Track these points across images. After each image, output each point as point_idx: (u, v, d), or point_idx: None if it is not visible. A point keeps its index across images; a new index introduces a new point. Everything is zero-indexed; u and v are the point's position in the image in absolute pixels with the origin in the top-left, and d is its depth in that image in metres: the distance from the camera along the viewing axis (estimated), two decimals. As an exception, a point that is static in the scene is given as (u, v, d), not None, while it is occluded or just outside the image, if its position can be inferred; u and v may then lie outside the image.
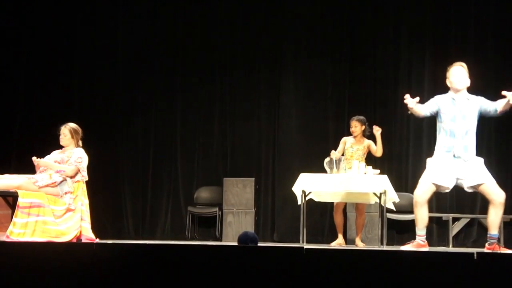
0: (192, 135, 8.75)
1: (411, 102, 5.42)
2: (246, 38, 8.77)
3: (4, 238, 5.55)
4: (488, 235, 5.36)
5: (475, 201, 8.24)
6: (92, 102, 8.75)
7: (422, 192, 5.36)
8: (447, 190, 5.51)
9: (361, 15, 8.63)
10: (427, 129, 8.40)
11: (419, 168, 8.32)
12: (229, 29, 8.81)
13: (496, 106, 5.51)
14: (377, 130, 6.95)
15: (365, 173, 6.63)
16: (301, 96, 8.62)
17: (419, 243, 5.33)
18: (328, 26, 8.65)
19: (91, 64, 8.81)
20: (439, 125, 5.48)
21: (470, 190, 5.48)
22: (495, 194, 5.28)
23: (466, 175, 5.35)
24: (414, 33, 8.55)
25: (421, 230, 5.36)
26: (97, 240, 5.94)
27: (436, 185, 5.38)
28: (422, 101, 8.56)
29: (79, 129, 6.24)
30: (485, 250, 5.37)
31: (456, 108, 5.40)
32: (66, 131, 6.16)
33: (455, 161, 5.36)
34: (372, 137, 7.12)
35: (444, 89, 8.44)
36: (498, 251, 5.09)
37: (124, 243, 5.04)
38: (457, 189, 8.17)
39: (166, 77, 8.82)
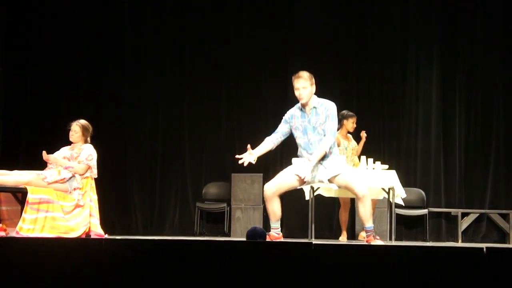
0: (200, 131, 8.76)
1: (248, 158, 5.30)
2: (253, 34, 8.75)
3: (13, 234, 5.57)
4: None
5: (484, 196, 8.23)
6: (100, 99, 8.78)
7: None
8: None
9: (369, 11, 8.60)
10: (435, 124, 8.39)
11: (428, 163, 8.34)
12: (236, 25, 8.80)
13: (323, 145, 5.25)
14: (365, 136, 7.15)
15: (373, 168, 6.61)
16: (309, 91, 8.59)
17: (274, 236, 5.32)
18: (335, 22, 8.63)
19: (99, 60, 8.83)
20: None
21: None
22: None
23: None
24: (421, 27, 8.52)
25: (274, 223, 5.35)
26: (106, 236, 5.96)
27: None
28: (430, 99, 8.53)
29: (90, 127, 6.26)
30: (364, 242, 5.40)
31: (306, 120, 5.30)
32: (77, 128, 6.18)
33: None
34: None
35: (451, 82, 8.46)
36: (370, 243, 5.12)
37: (133, 239, 5.05)
38: (467, 184, 8.25)
39: (173, 73, 8.83)
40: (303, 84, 5.24)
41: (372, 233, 5.25)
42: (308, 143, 5.30)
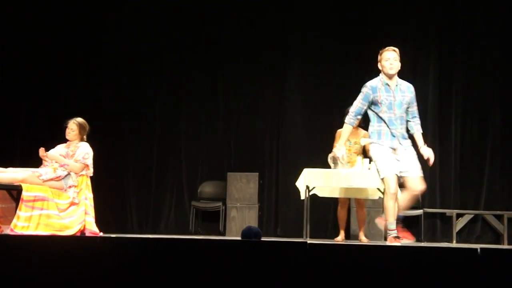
0: (196, 130, 8.76)
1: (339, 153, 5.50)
2: (251, 33, 8.75)
3: (8, 232, 5.57)
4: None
5: (479, 197, 8.24)
6: (96, 97, 8.76)
7: (396, 185, 5.25)
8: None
9: (367, 10, 8.60)
10: (431, 124, 8.39)
11: (422, 163, 8.33)
12: (234, 24, 8.80)
13: (413, 128, 5.43)
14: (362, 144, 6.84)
15: (369, 168, 6.62)
16: (305, 91, 8.61)
17: (394, 238, 5.20)
18: (333, 21, 8.63)
19: (96, 59, 8.81)
20: (373, 113, 5.35)
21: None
22: (414, 186, 5.26)
23: (402, 163, 5.29)
24: (420, 28, 8.53)
25: (393, 223, 5.24)
26: (101, 234, 5.96)
27: (397, 175, 5.29)
28: (426, 100, 8.53)
29: (87, 125, 6.26)
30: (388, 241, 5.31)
31: (391, 95, 5.31)
32: (74, 126, 6.18)
33: (394, 150, 5.32)
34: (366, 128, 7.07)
35: (447, 82, 8.47)
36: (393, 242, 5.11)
37: (128, 237, 5.04)
38: (462, 185, 8.25)
39: (170, 72, 8.83)
40: (395, 56, 5.36)
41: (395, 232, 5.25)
42: (394, 118, 5.29)
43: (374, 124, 5.36)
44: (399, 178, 5.30)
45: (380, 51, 5.44)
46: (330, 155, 6.81)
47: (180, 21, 8.84)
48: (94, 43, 8.83)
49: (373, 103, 5.32)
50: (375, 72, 8.49)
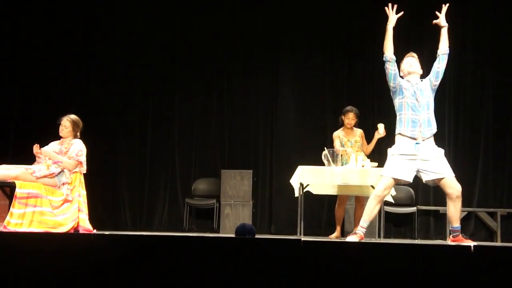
0: (189, 127, 8.75)
1: (392, 14, 5.56)
2: (244, 30, 8.75)
3: (1, 229, 5.54)
4: (451, 228, 5.42)
5: (472, 195, 8.27)
6: (89, 94, 8.74)
7: (385, 188, 5.32)
8: (406, 184, 5.52)
9: (359, 7, 8.61)
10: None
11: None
12: (227, 21, 8.79)
13: (438, 53, 5.58)
14: (381, 134, 6.79)
15: (363, 166, 6.62)
16: (299, 88, 8.61)
17: (362, 236, 5.31)
18: (326, 19, 8.64)
19: (89, 55, 8.79)
20: (400, 101, 5.44)
21: (429, 184, 5.47)
22: (452, 188, 5.30)
23: (426, 168, 5.32)
24: (412, 25, 8.53)
25: (367, 222, 5.32)
26: (95, 231, 5.94)
27: (396, 179, 5.35)
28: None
29: (80, 122, 6.23)
30: (449, 242, 5.45)
31: (413, 87, 5.45)
32: (68, 123, 6.15)
33: (416, 152, 5.33)
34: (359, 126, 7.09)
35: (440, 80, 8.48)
36: (462, 243, 5.10)
37: (122, 234, 5.04)
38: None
39: (163, 69, 8.81)
40: (414, 59, 5.56)
41: (459, 233, 5.33)
42: (418, 105, 5.39)
43: (398, 112, 5.48)
44: (397, 182, 5.39)
45: (400, 63, 5.57)
46: (324, 152, 6.80)
47: (173, 17, 8.83)
48: (86, 39, 8.80)
49: (398, 92, 5.44)
50: (367, 70, 8.58)
